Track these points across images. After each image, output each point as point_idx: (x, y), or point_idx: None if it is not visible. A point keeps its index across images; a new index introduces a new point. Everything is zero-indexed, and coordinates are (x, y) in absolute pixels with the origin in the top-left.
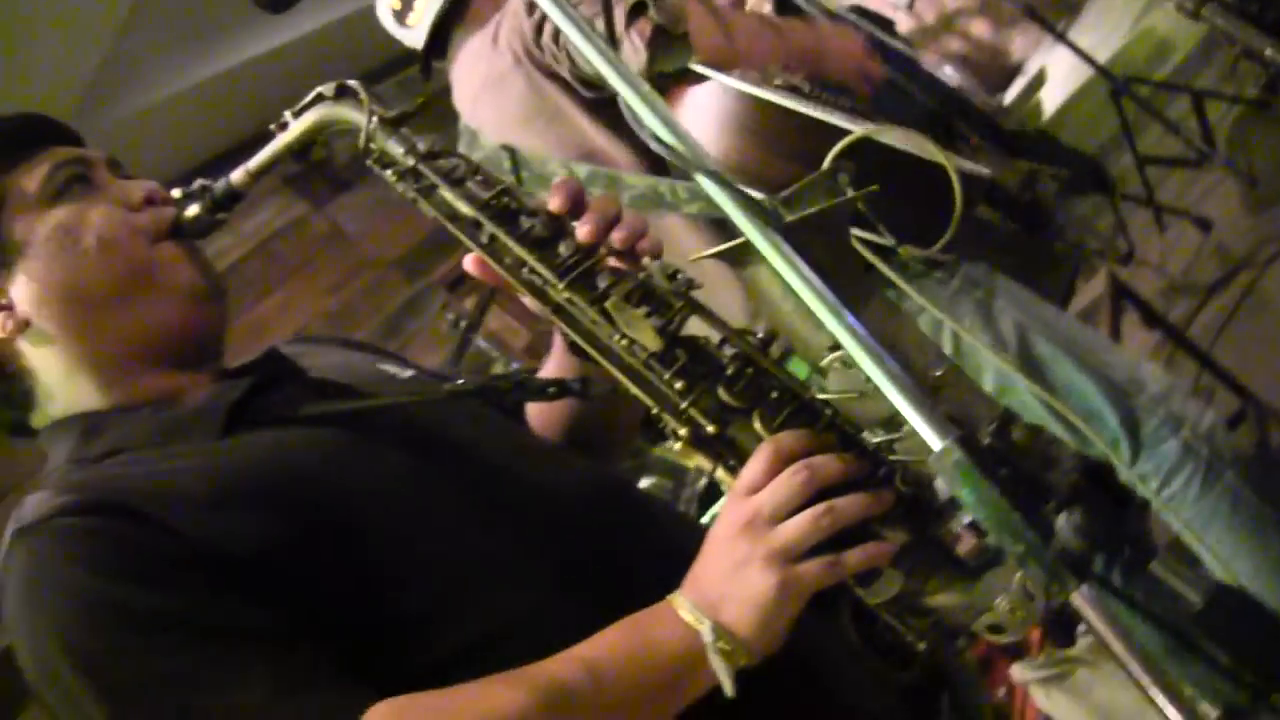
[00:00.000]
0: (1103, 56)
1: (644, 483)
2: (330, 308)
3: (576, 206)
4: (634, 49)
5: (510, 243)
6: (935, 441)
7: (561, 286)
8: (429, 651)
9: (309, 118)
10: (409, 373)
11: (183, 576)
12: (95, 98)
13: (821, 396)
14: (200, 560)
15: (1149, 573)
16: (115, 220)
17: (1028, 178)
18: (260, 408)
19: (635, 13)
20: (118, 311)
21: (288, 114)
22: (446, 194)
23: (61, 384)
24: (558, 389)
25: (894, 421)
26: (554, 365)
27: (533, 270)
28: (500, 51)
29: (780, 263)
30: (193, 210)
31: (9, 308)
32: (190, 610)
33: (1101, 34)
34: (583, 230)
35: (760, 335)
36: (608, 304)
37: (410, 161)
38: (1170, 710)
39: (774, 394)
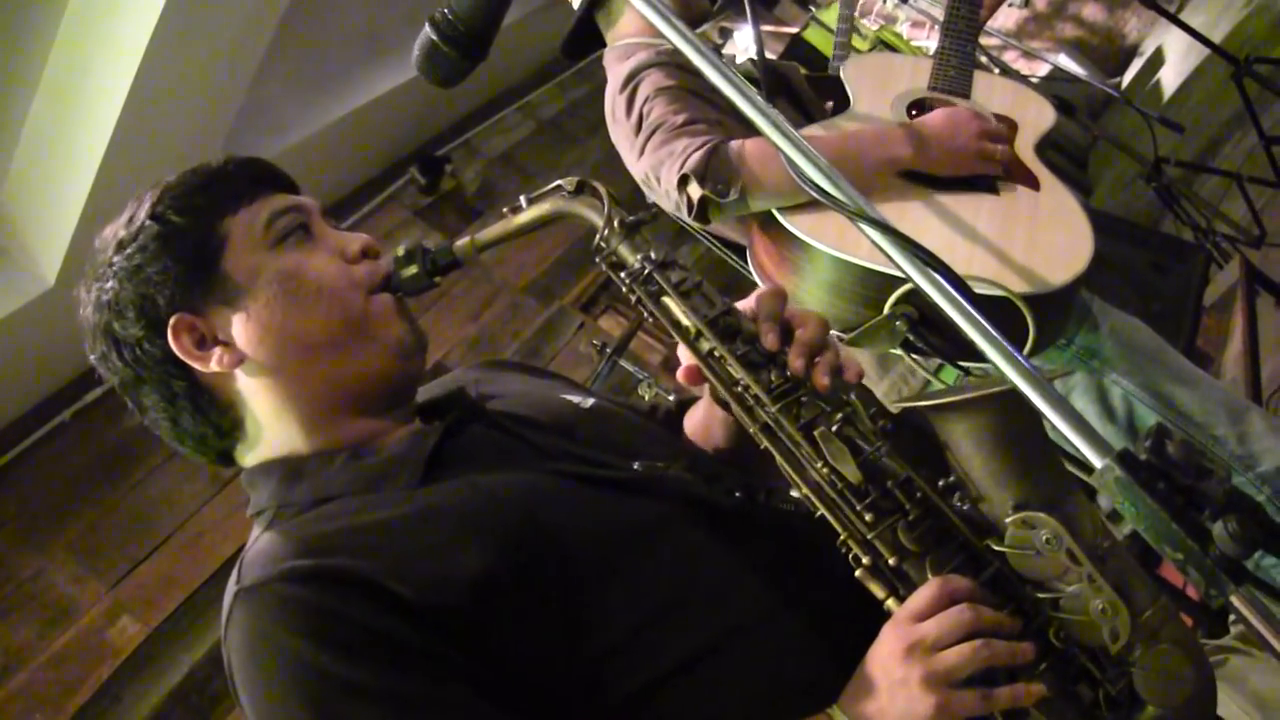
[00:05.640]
0: (1220, 31)
1: None
2: (471, 335)
3: (787, 334)
4: (683, 208)
5: (730, 359)
6: (1097, 460)
7: (774, 409)
8: (615, 690)
9: (545, 206)
10: (590, 402)
11: (391, 648)
12: (237, 145)
13: (996, 548)
14: (412, 624)
15: None
16: (335, 270)
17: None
18: (453, 451)
19: (683, 183)
20: (330, 357)
21: (523, 199)
22: (673, 303)
23: (270, 421)
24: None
25: (1059, 582)
26: (702, 415)
27: (746, 388)
28: (611, 99)
29: (930, 288)
30: (411, 270)
31: (229, 344)
32: (395, 683)
33: (1218, 8)
34: (794, 363)
35: (943, 483)
36: (816, 433)
37: (645, 267)
38: None
39: (949, 543)
